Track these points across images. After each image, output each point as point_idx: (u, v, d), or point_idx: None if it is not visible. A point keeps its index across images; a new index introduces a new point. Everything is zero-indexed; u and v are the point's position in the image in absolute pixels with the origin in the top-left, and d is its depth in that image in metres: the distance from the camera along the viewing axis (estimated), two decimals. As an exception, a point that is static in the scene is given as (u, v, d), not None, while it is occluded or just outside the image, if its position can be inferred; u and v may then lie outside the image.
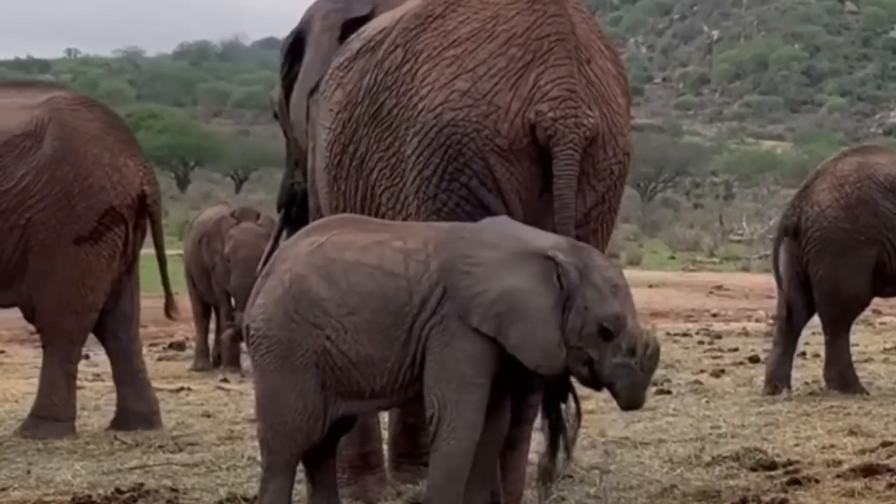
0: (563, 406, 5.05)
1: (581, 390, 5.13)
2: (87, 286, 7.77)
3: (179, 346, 13.07)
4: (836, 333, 9.77)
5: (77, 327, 7.83)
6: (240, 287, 11.15)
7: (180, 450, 7.30)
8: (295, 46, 6.60)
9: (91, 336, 8.06)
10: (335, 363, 4.88)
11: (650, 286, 21.44)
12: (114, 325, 8.03)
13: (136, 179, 7.92)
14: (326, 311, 4.88)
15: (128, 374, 8.05)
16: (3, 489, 6.28)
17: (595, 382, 4.88)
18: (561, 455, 5.09)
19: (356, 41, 5.88)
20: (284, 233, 6.78)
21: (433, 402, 4.79)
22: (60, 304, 7.73)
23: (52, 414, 7.78)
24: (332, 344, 4.87)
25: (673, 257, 30.91)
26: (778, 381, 9.63)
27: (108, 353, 8.16)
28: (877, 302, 10.42)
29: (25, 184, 7.65)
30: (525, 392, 5.07)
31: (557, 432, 5.06)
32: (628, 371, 4.78)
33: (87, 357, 11.09)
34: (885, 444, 7.08)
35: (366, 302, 4.85)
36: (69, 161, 7.72)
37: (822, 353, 10.71)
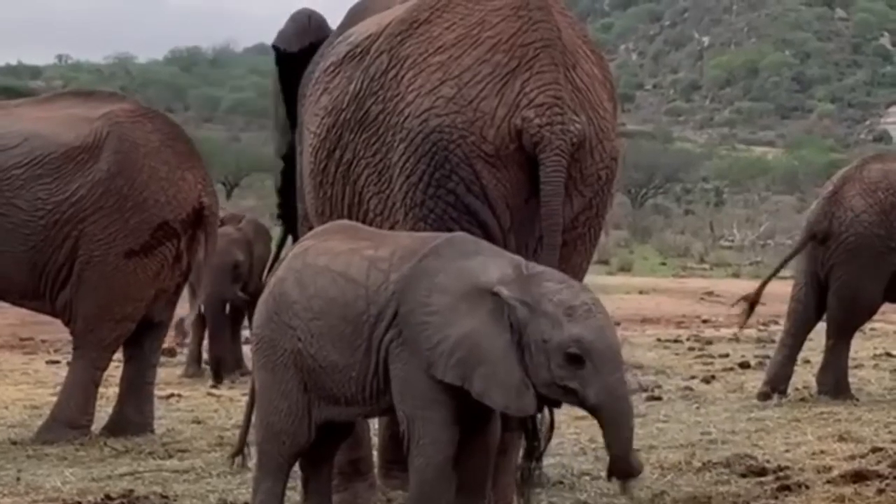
0: (539, 414, 5.02)
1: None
2: (130, 297, 7.78)
3: (170, 353, 13.03)
4: (841, 338, 9.82)
5: (111, 335, 7.83)
6: (210, 293, 11.07)
7: (170, 456, 7.29)
8: None
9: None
10: (308, 366, 4.89)
11: (641, 292, 21.48)
12: (143, 333, 8.02)
13: (194, 193, 7.91)
14: (296, 314, 4.89)
15: (136, 383, 8.05)
16: (-7, 496, 6.28)
17: (589, 410, 4.66)
18: (533, 462, 5.07)
19: (343, 46, 5.89)
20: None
21: (402, 419, 4.74)
22: (99, 311, 7.73)
23: (66, 418, 7.79)
24: (303, 346, 4.88)
25: (664, 263, 30.96)
26: (778, 384, 9.64)
27: (125, 357, 8.15)
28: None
29: (80, 196, 7.67)
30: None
31: (533, 439, 5.03)
32: (607, 388, 4.55)
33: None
34: (874, 450, 7.09)
35: (329, 307, 4.83)
36: (125, 175, 7.72)
37: (812, 360, 10.75)
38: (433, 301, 4.68)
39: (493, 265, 4.72)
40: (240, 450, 5.34)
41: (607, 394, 4.57)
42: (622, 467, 4.67)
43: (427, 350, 4.67)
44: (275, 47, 6.75)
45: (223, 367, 11.20)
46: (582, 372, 4.55)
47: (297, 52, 6.63)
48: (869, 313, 10.01)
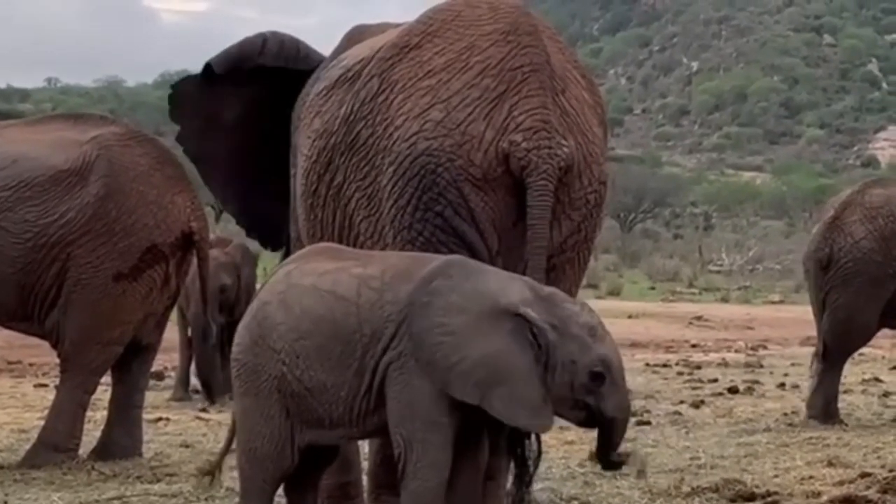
0: (526, 440, 5.02)
1: (562, 421, 5.12)
2: (118, 320, 7.76)
3: (158, 376, 13.01)
4: (834, 363, 9.82)
5: (99, 359, 7.80)
6: (196, 317, 11.05)
7: (159, 480, 7.26)
8: None
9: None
10: (292, 389, 4.85)
11: (630, 317, 21.48)
12: (131, 356, 8.00)
13: (182, 216, 7.89)
14: (282, 335, 4.85)
15: (124, 407, 8.02)
16: (-21, 520, 6.25)
17: (595, 424, 4.77)
18: (523, 488, 5.07)
19: (336, 69, 5.91)
20: None
21: (399, 442, 4.70)
22: (87, 334, 7.70)
23: (53, 442, 7.76)
24: (288, 369, 4.84)
25: (653, 288, 30.99)
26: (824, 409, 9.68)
27: (114, 380, 8.13)
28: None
29: (68, 219, 7.65)
30: (501, 422, 5.05)
31: (523, 464, 5.03)
32: (621, 401, 4.73)
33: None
34: (863, 476, 7.09)
35: (317, 327, 4.79)
36: (113, 199, 7.71)
37: (801, 385, 10.76)
38: (449, 321, 4.67)
39: (511, 287, 4.75)
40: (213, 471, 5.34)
41: (622, 407, 4.74)
42: (613, 461, 4.87)
43: (443, 370, 4.65)
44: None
45: (214, 388, 11.16)
46: (602, 388, 4.67)
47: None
48: (863, 339, 10.00)
